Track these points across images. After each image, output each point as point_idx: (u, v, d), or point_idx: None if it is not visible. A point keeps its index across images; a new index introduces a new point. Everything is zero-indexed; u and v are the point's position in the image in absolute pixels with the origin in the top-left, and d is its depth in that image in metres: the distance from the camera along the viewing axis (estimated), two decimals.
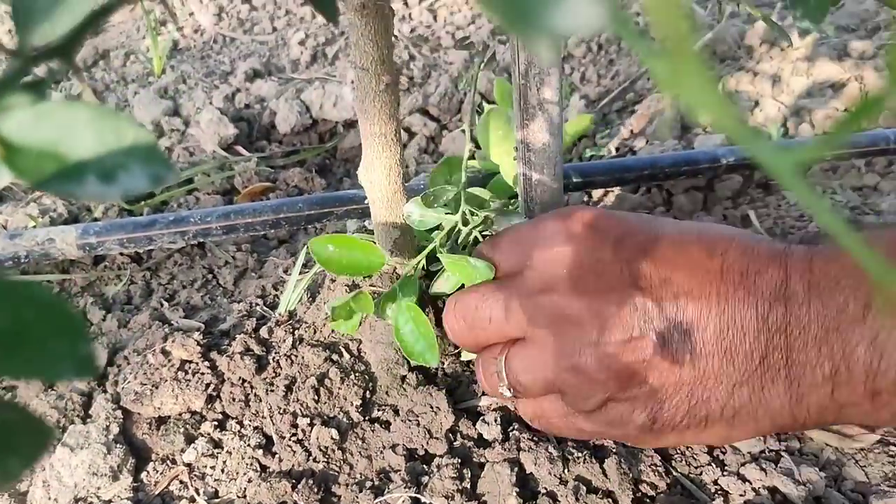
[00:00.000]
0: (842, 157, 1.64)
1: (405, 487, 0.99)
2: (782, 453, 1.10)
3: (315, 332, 1.17)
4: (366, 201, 1.15)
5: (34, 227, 1.56)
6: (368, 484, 1.02)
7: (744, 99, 1.97)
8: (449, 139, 1.98)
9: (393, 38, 1.03)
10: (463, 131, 1.33)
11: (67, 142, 0.39)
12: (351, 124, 2.06)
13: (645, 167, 1.57)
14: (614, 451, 1.04)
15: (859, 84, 1.88)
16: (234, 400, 1.14)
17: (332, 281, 1.22)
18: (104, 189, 0.38)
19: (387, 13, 0.95)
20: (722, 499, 1.04)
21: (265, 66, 2.41)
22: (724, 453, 1.10)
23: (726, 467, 1.08)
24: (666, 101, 1.91)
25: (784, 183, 0.25)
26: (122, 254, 1.56)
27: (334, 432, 1.05)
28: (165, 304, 1.44)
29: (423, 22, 2.64)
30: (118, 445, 1.10)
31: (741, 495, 1.04)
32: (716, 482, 1.07)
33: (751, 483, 1.05)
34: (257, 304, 1.37)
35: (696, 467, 1.09)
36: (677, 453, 1.10)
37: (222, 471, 1.08)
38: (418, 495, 0.98)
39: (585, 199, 1.71)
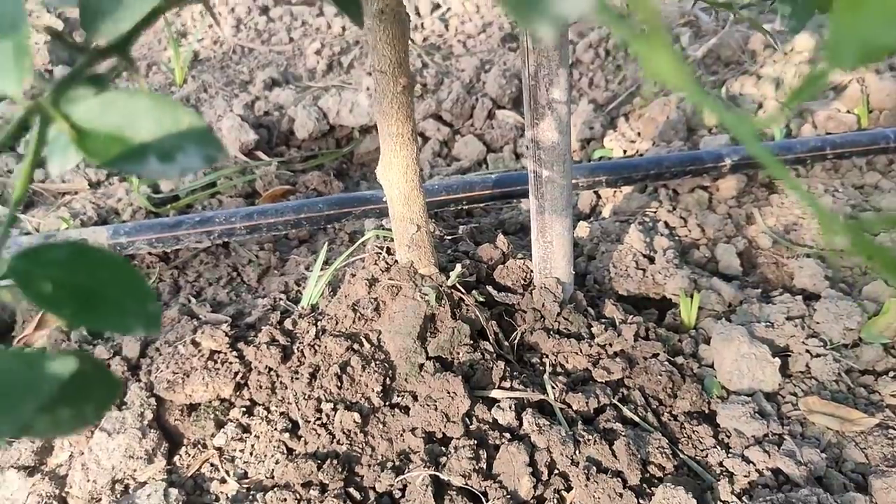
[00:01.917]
0: (843, 157, 1.68)
1: (424, 467, 1.04)
2: (785, 436, 1.14)
3: (337, 324, 1.22)
4: (383, 200, 1.21)
5: (66, 228, 1.63)
6: (389, 464, 1.07)
7: (748, 101, 2.02)
8: (462, 143, 2.04)
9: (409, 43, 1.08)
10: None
11: (131, 127, 0.45)
12: (367, 130, 2.12)
13: (651, 166, 1.62)
14: (623, 433, 1.09)
15: (860, 86, 1.92)
16: (261, 387, 1.20)
17: (353, 276, 1.27)
18: (164, 168, 0.44)
19: (403, 18, 1.01)
20: (727, 479, 1.09)
21: (283, 74, 2.48)
22: (728, 437, 1.14)
23: (731, 449, 1.13)
24: (672, 104, 1.96)
25: (742, 139, 0.31)
26: (150, 253, 1.62)
27: (357, 416, 1.10)
28: (193, 300, 1.50)
29: (436, 31, 2.71)
30: (152, 430, 1.16)
31: (745, 476, 1.09)
32: (721, 464, 1.11)
33: (755, 464, 1.10)
34: (281, 299, 1.43)
35: (701, 450, 1.13)
36: (684, 437, 1.14)
37: (251, 454, 1.13)
38: (437, 473, 1.03)
39: (594, 197, 1.76)
